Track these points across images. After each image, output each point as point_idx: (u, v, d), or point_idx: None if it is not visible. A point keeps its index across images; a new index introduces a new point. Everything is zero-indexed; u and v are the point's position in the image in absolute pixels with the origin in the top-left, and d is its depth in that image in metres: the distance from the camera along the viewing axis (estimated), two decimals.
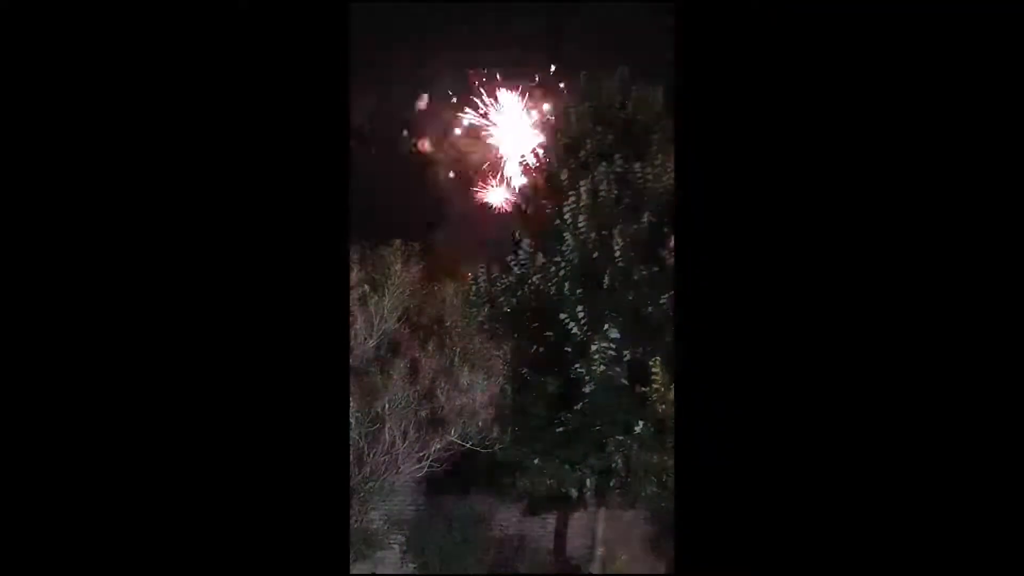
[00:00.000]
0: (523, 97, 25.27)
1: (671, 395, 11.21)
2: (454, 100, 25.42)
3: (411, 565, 13.00)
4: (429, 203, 23.88)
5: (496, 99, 25.24)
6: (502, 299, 13.10)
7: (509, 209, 20.96)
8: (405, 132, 25.29)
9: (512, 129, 24.92)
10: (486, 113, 25.09)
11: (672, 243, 12.06)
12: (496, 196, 24.65)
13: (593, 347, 11.91)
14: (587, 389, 12.02)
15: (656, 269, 12.27)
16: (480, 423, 11.13)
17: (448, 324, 11.68)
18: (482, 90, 24.94)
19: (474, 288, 13.16)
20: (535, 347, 12.76)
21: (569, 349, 12.25)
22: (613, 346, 11.93)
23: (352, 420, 10.07)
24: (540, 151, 14.78)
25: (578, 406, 12.10)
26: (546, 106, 24.97)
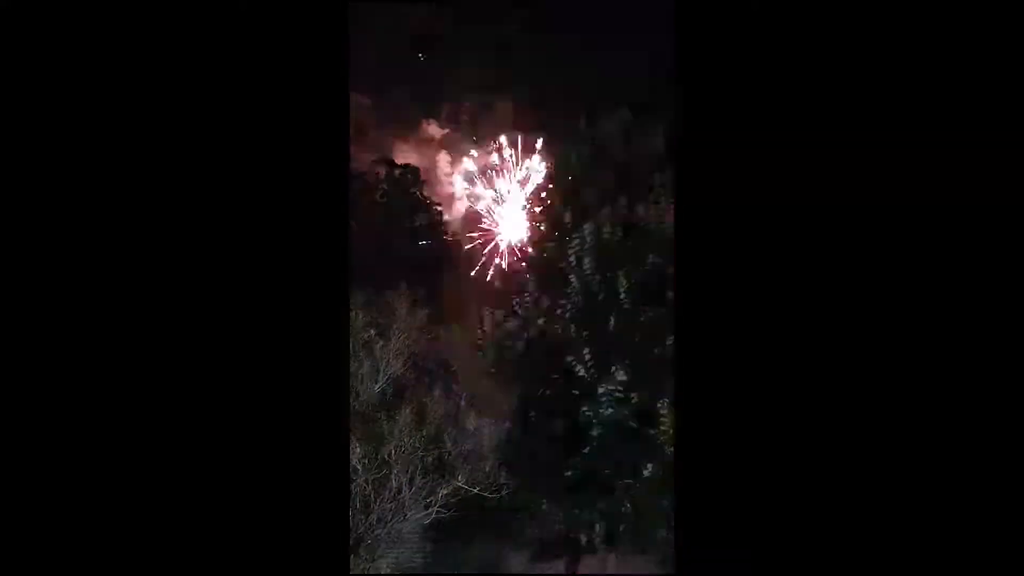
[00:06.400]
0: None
1: None
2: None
3: None
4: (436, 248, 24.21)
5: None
6: (508, 342, 13.07)
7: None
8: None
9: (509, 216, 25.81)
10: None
11: None
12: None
13: (600, 389, 11.84)
14: (595, 432, 11.93)
15: (662, 310, 12.24)
16: (487, 468, 11.06)
17: (454, 368, 11.68)
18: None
19: (480, 332, 13.14)
20: (542, 390, 12.69)
21: (576, 392, 12.19)
22: (621, 388, 11.85)
23: (359, 466, 10.02)
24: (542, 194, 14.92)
25: (586, 449, 12.00)
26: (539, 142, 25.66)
